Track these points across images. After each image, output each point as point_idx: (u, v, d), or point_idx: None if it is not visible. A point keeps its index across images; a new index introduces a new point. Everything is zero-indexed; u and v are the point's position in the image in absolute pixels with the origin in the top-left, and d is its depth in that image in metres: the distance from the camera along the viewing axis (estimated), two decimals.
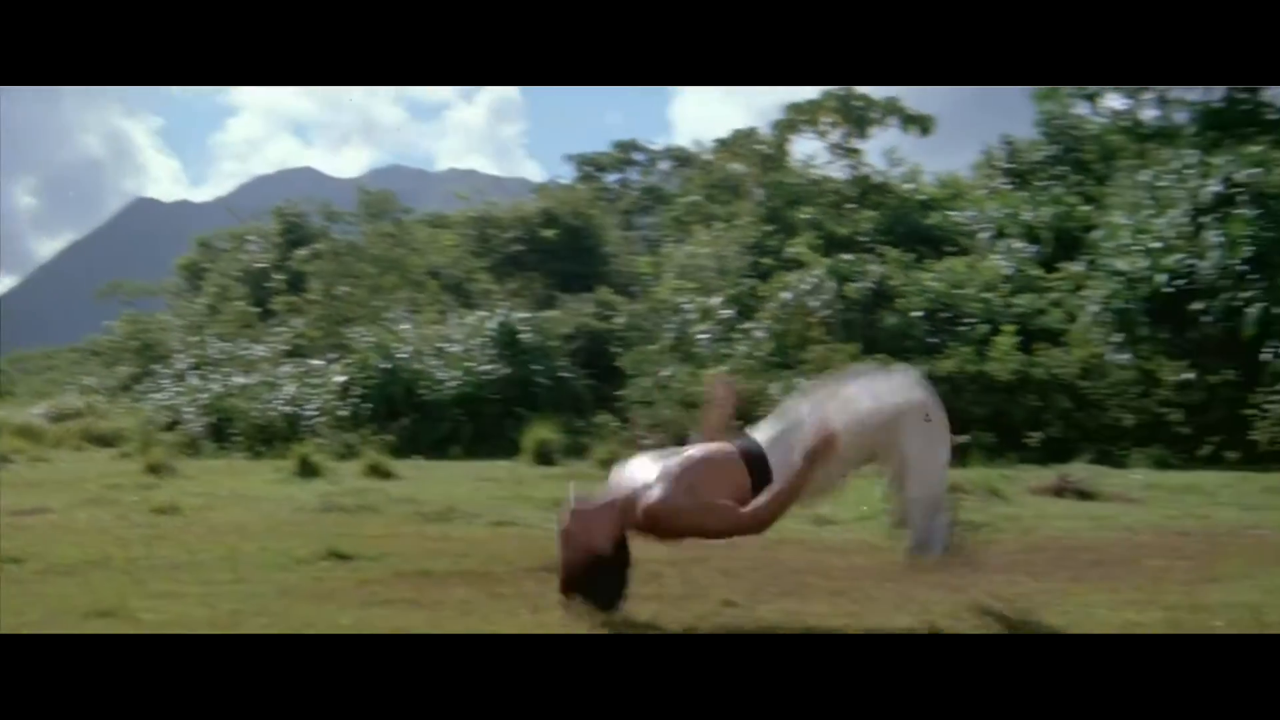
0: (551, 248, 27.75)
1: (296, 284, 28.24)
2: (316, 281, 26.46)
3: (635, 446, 10.97)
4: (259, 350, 23.71)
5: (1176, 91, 32.74)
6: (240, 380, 21.02)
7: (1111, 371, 16.15)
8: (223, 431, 19.23)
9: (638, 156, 51.52)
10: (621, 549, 5.32)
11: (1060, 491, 10.68)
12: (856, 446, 5.36)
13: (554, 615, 5.32)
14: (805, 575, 6.39)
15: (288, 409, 18.84)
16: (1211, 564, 6.70)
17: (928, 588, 5.89)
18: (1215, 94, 31.95)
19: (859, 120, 32.86)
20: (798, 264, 21.08)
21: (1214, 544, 7.72)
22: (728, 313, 20.79)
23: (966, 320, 17.61)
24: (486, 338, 19.31)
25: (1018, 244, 23.36)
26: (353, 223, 34.44)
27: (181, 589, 5.81)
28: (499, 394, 18.18)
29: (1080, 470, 12.20)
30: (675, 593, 5.86)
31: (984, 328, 17.05)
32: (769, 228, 26.57)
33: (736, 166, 33.22)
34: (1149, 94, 33.26)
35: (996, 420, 15.26)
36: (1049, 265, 21.36)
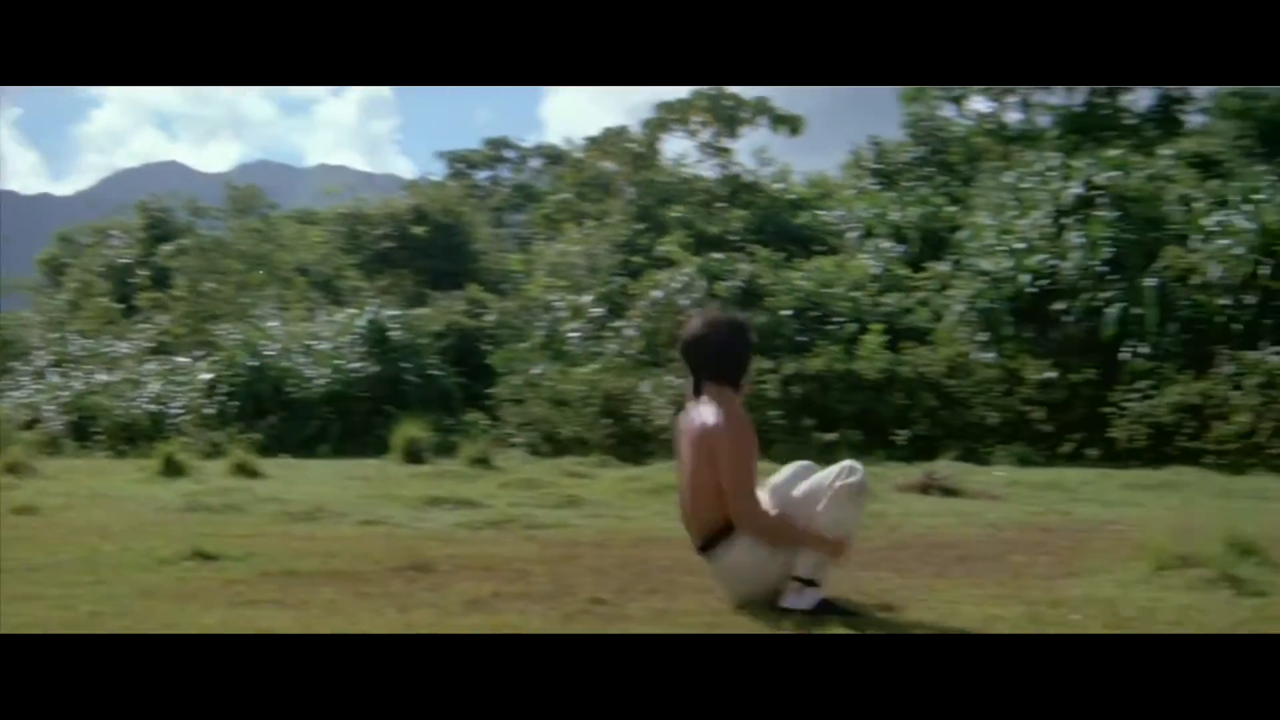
0: (422, 245, 27.55)
1: (161, 280, 27.76)
2: (182, 277, 26.04)
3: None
4: (122, 347, 23.26)
5: (1039, 95, 33.42)
6: (103, 378, 20.61)
7: (976, 370, 16.36)
8: (85, 430, 18.86)
9: (509, 154, 51.47)
10: None
11: (926, 488, 10.79)
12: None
13: (422, 615, 5.26)
14: (673, 573, 6.38)
15: (152, 407, 18.51)
16: (1072, 559, 6.80)
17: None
18: (1076, 98, 32.65)
19: (729, 120, 33.09)
20: (668, 262, 21.15)
21: (1074, 539, 7.84)
22: (598, 311, 20.80)
23: (835, 319, 17.77)
24: (356, 335, 19.12)
25: (885, 244, 23.66)
26: (219, 218, 33.99)
27: (39, 591, 5.66)
28: (368, 392, 18.01)
29: (945, 467, 12.36)
30: (544, 591, 5.83)
31: (852, 326, 17.21)
32: (639, 226, 26.65)
33: (607, 165, 33.28)
34: (1013, 97, 33.89)
35: (864, 418, 15.40)
36: (916, 265, 21.64)
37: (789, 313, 18.19)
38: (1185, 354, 15.48)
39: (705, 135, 33.60)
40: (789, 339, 17.69)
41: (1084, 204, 18.04)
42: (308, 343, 19.32)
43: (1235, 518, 7.05)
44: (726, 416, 5.35)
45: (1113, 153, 20.57)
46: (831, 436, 14.89)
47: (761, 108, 33.38)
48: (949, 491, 10.69)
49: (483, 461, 13.12)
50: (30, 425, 19.38)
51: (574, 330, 20.27)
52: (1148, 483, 11.84)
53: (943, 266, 20.33)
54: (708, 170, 32.41)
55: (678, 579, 6.21)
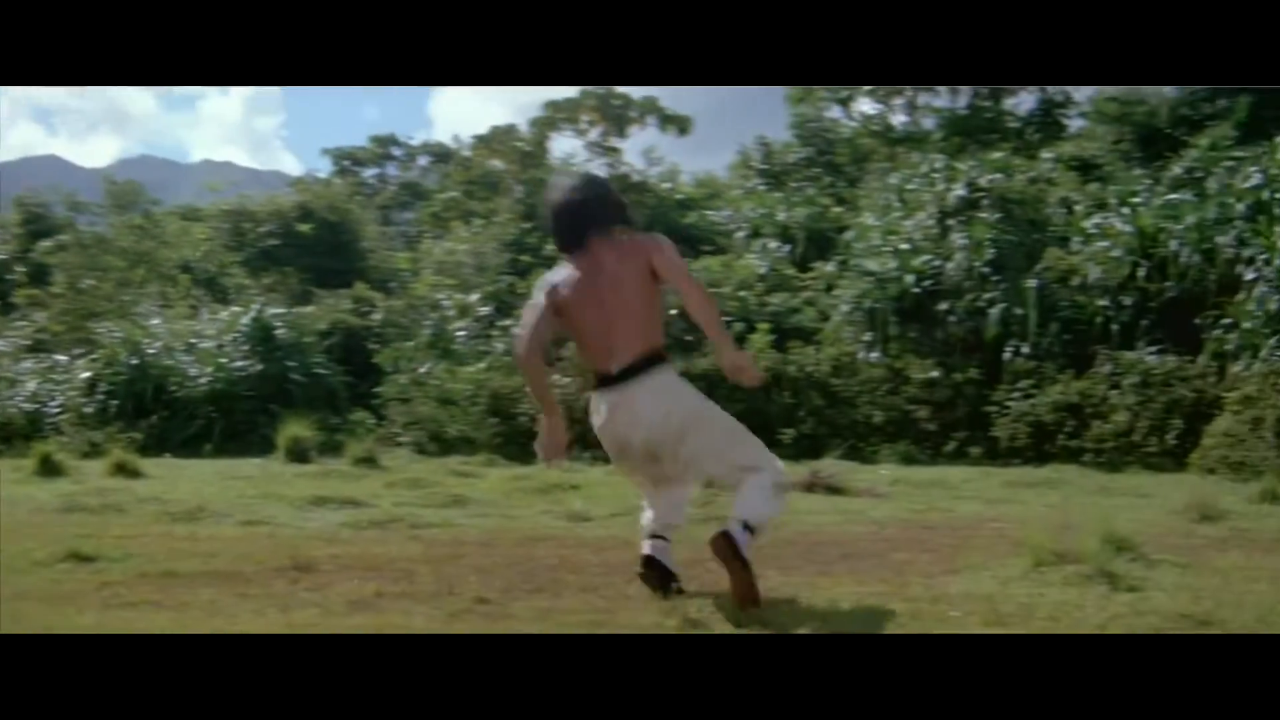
0: (308, 243, 27.30)
1: (39, 277, 27.18)
2: (60, 274, 25.51)
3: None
4: None
5: (924, 98, 33.82)
6: None
7: (862, 369, 16.47)
8: None
9: (396, 152, 51.16)
10: None
11: (811, 487, 10.83)
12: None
13: (304, 615, 5.22)
14: (559, 572, 6.39)
15: (29, 406, 18.10)
16: (953, 556, 6.89)
17: (678, 584, 5.93)
18: (960, 102, 33.08)
19: (618, 119, 33.17)
20: (556, 261, 21.05)
21: (956, 537, 7.94)
22: (486, 310, 20.70)
23: (722, 318, 17.82)
24: (240, 333, 18.85)
25: (772, 244, 23.78)
26: (99, 214, 33.35)
27: None
28: (252, 390, 17.76)
29: (831, 466, 12.44)
30: (428, 590, 5.80)
31: (739, 326, 17.24)
32: (528, 225, 26.59)
33: (496, 163, 33.23)
34: (898, 100, 34.27)
35: (750, 417, 15.20)
36: (802, 265, 21.78)
37: (675, 312, 18.19)
38: (1065, 354, 15.71)
39: (594, 134, 33.69)
40: (676, 338, 17.70)
41: (968, 206, 18.26)
42: (191, 341, 19.01)
43: (1112, 514, 7.20)
44: (639, 238, 5.78)
45: (996, 155, 20.85)
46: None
47: (650, 108, 33.52)
48: (834, 490, 10.76)
49: (368, 461, 13.02)
50: None
51: (461, 329, 20.16)
52: (1028, 480, 12.02)
53: (829, 267, 20.49)
54: (596, 169, 32.44)
55: (563, 578, 6.22)
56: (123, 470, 12.10)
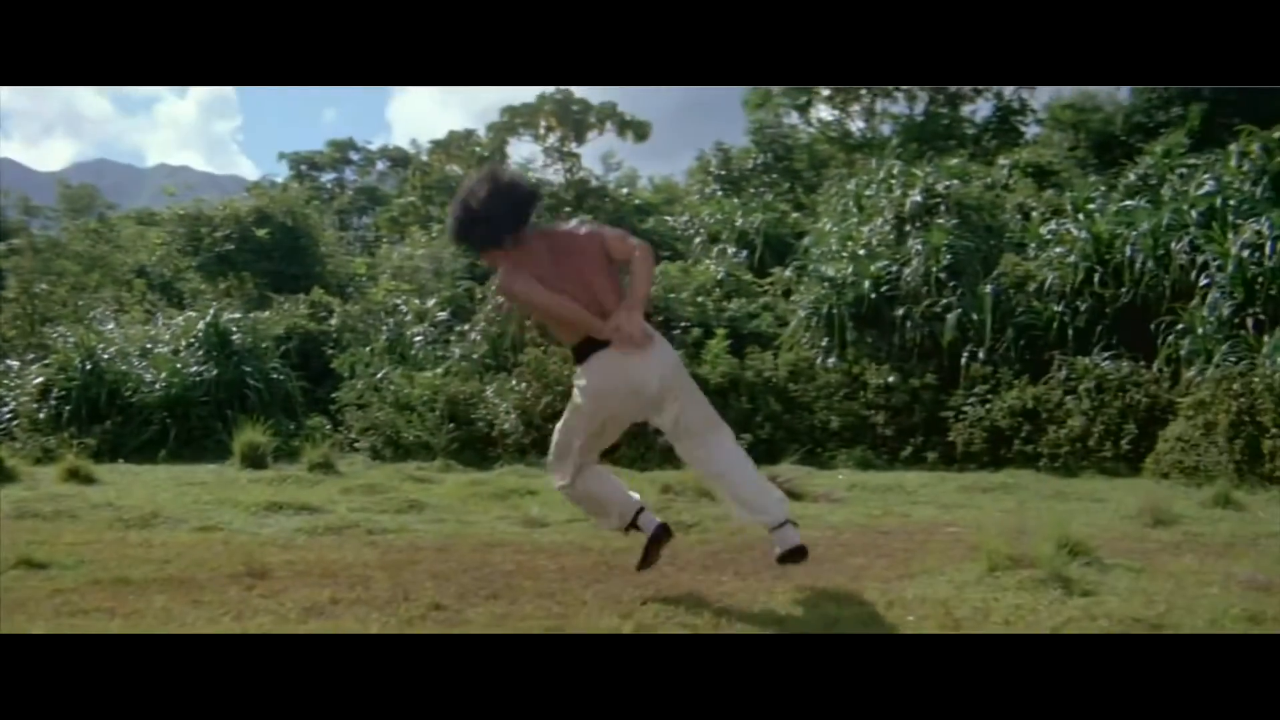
0: (264, 247, 27.06)
1: None
2: (13, 279, 25.30)
3: None
4: None
5: (882, 104, 33.97)
6: None
7: (819, 375, 16.49)
8: None
9: (354, 156, 51.08)
10: None
11: None
12: None
13: (259, 622, 5.19)
14: (515, 578, 6.38)
15: None
16: (909, 561, 6.92)
17: (635, 589, 5.94)
18: (918, 108, 33.25)
19: (576, 124, 33.15)
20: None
21: (912, 541, 7.98)
22: (443, 315, 20.65)
23: (680, 324, 17.81)
24: (196, 339, 18.72)
25: (730, 249, 23.82)
26: (54, 218, 33.18)
27: None
28: (208, 396, 17.62)
29: (788, 471, 12.44)
30: (384, 597, 5.78)
31: (697, 331, 17.23)
32: None
33: (454, 168, 33.16)
34: (856, 106, 34.41)
35: None
36: (760, 271, 21.80)
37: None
38: (1021, 359, 15.78)
39: (552, 140, 33.67)
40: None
41: (925, 212, 18.33)
42: (146, 346, 18.86)
43: (1066, 519, 7.23)
44: (584, 227, 5.98)
45: (953, 162, 20.96)
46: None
47: (608, 113, 33.55)
48: (792, 495, 10.72)
49: (325, 466, 12.95)
50: None
51: (419, 334, 20.09)
52: (984, 485, 12.08)
53: (786, 272, 20.50)
54: (554, 175, 32.46)
55: (519, 583, 6.21)
56: (76, 476, 11.99)
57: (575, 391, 5.84)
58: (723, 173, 33.31)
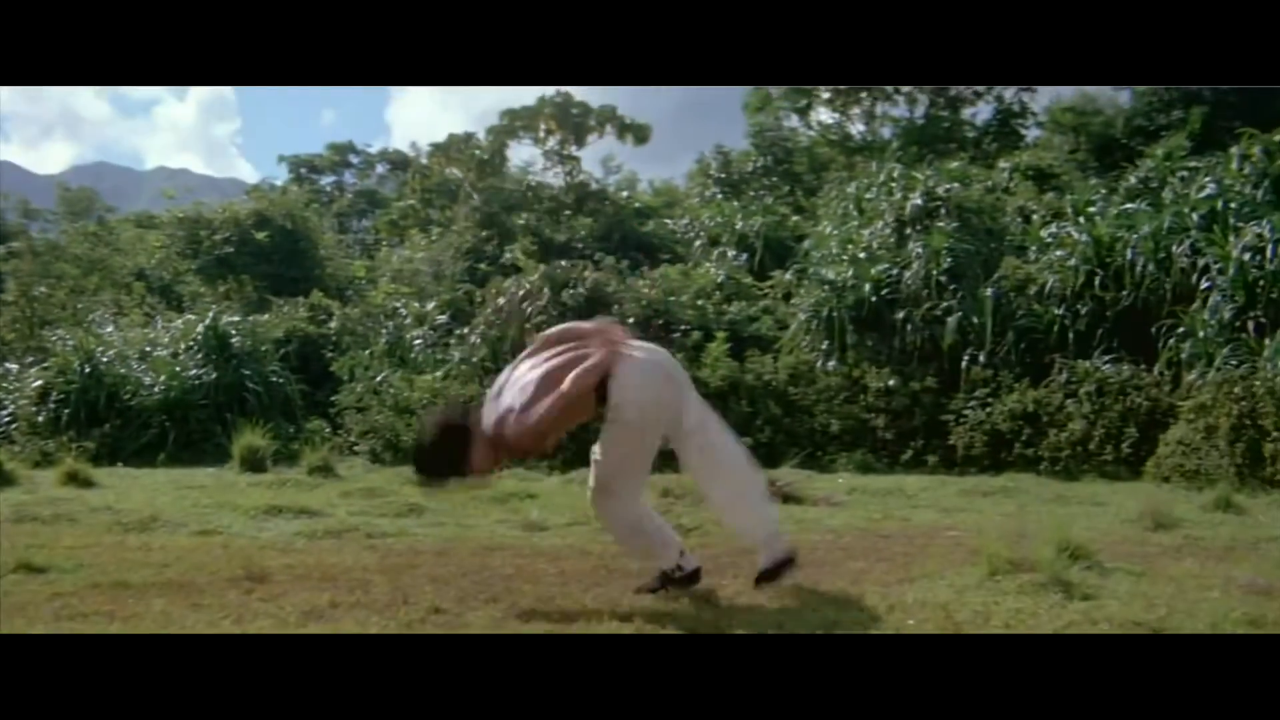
0: (264, 250, 27.05)
1: None
2: (13, 282, 25.30)
3: None
4: None
5: (882, 107, 33.97)
6: None
7: (819, 378, 16.48)
8: None
9: (353, 159, 51.11)
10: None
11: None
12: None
13: (258, 626, 5.18)
14: (515, 581, 6.36)
15: None
16: (909, 565, 6.90)
17: (635, 593, 5.93)
18: (918, 111, 33.25)
19: (576, 127, 33.14)
20: (514, 269, 21.08)
21: (912, 545, 7.95)
22: (443, 318, 20.66)
23: (680, 327, 17.81)
24: (195, 342, 18.72)
25: (730, 252, 23.82)
26: (53, 221, 33.18)
27: None
28: (207, 399, 17.61)
29: (788, 475, 12.43)
30: (383, 600, 5.76)
31: (697, 335, 17.23)
32: (485, 233, 26.55)
33: (453, 171, 33.16)
34: (856, 109, 34.41)
35: None
36: (760, 274, 21.79)
37: (634, 320, 18.21)
38: (1022, 363, 15.77)
39: (552, 143, 33.64)
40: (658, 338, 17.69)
41: (925, 215, 18.33)
42: (145, 349, 18.86)
43: (1067, 523, 7.21)
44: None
45: (953, 165, 20.98)
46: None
47: (608, 116, 33.54)
48: (791, 499, 10.74)
49: (324, 469, 12.92)
50: None
51: (418, 338, 20.10)
52: (984, 489, 12.05)
53: (787, 275, 20.50)
54: (554, 178, 32.44)
55: (519, 587, 6.19)
56: (75, 480, 11.97)
57: (615, 416, 5.81)
58: (723, 176, 33.31)
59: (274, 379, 18.59)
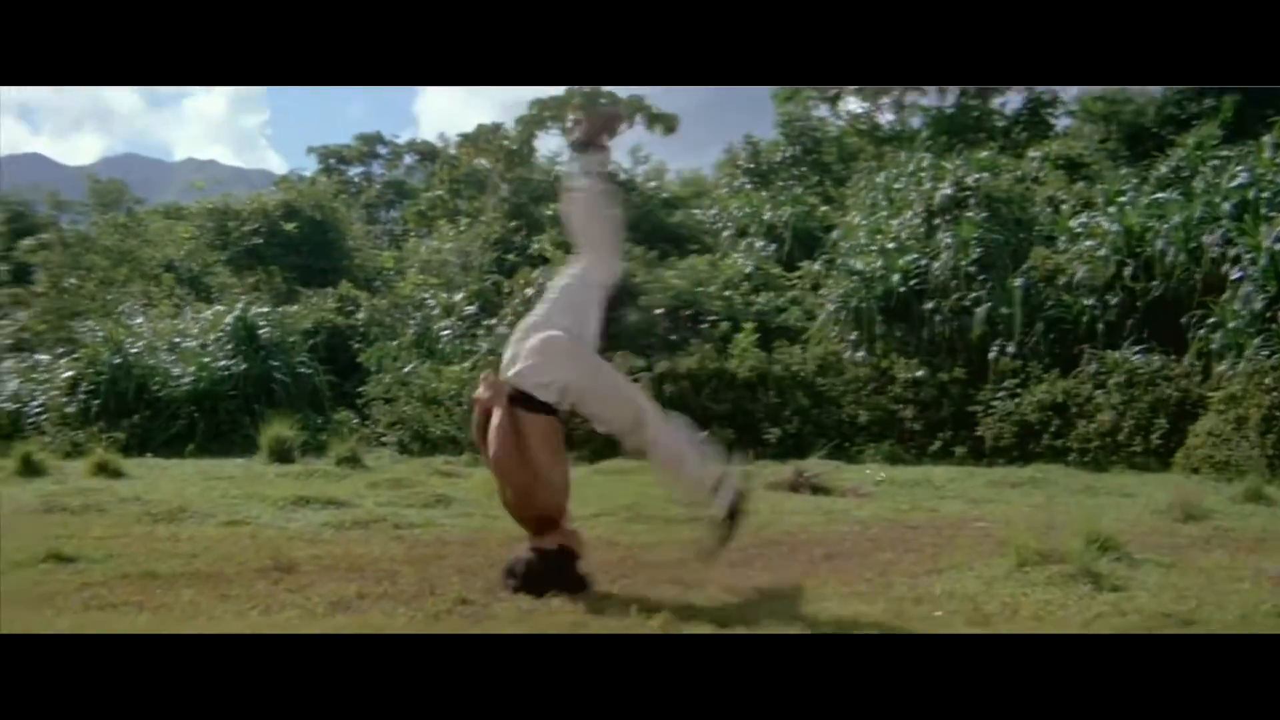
0: (292, 241, 27.12)
1: (21, 275, 27.07)
2: (43, 273, 25.40)
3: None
4: None
5: (911, 97, 33.83)
6: None
7: (848, 369, 16.45)
8: None
9: (382, 150, 51.12)
10: None
11: (796, 486, 10.83)
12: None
13: (285, 616, 5.19)
14: None
15: (10, 405, 17.99)
16: (936, 556, 6.88)
17: (661, 584, 5.92)
18: (948, 101, 33.09)
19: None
20: (543, 260, 21.06)
21: (940, 536, 7.93)
22: (471, 309, 20.66)
23: (708, 318, 17.79)
24: (224, 333, 18.77)
25: (759, 243, 23.76)
26: (83, 212, 33.26)
27: None
28: (236, 390, 17.66)
29: (816, 465, 12.42)
30: (410, 591, 5.77)
31: (725, 325, 17.22)
32: (513, 223, 26.53)
33: (481, 162, 33.09)
34: (886, 99, 34.27)
35: (736, 417, 15.40)
36: (788, 264, 21.74)
37: (662, 311, 18.19)
38: (1051, 353, 15.71)
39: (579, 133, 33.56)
40: (662, 337, 17.68)
41: (954, 205, 18.27)
42: (174, 340, 18.91)
43: (1096, 514, 7.20)
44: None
45: (983, 154, 20.86)
46: (703, 435, 14.80)
47: (636, 106, 33.43)
48: (819, 489, 10.74)
49: (352, 460, 12.95)
50: None
51: (446, 328, 20.11)
52: (1013, 480, 12.00)
53: (815, 266, 20.46)
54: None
55: None
56: (104, 470, 12.03)
57: (561, 400, 5.97)
58: (751, 166, 33.18)
59: (302, 370, 18.64)
